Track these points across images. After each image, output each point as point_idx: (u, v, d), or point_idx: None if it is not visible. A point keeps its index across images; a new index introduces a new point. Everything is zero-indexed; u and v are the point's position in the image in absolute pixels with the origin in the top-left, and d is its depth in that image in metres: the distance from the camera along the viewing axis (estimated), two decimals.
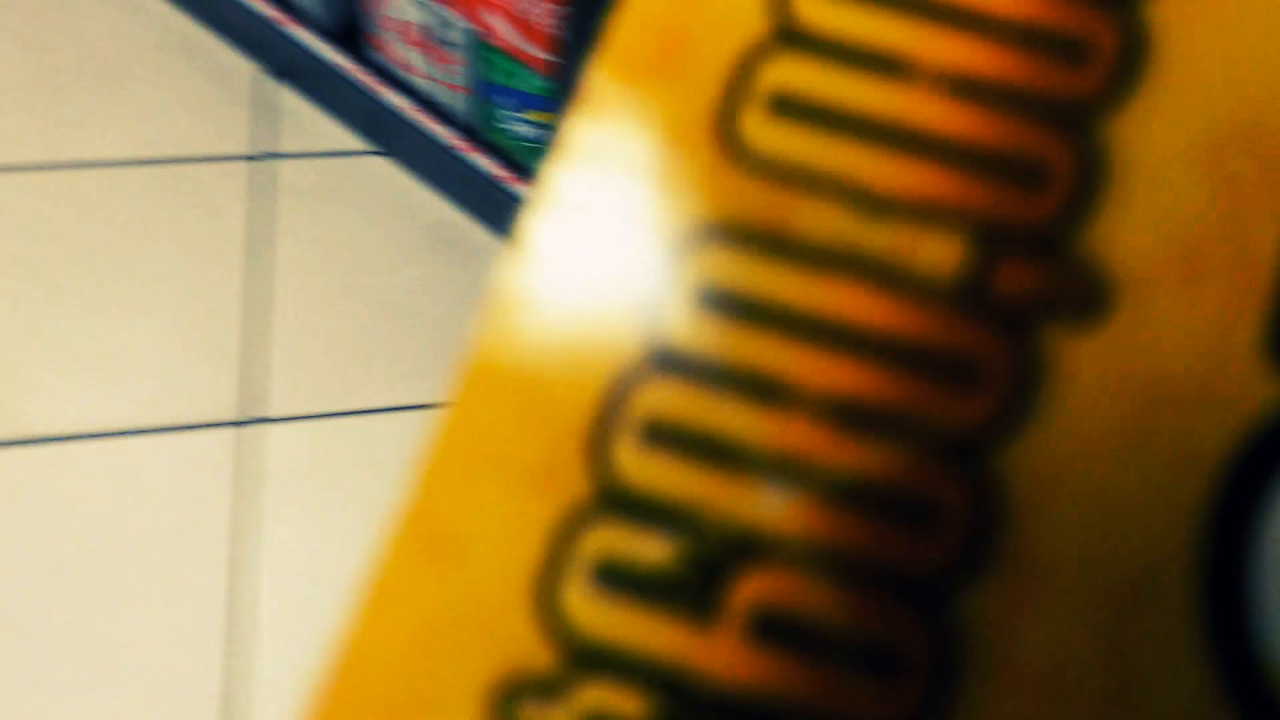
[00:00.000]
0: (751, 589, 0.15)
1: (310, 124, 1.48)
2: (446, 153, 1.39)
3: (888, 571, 0.14)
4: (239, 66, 1.53)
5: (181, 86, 1.50)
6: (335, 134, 1.49)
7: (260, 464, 1.28)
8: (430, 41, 1.30)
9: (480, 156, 1.36)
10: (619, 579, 0.15)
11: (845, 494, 0.15)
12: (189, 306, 1.36)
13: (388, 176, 1.46)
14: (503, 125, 1.33)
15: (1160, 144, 0.15)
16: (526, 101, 1.30)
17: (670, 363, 0.16)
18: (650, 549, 0.15)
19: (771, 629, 0.15)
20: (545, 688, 0.15)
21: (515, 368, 0.17)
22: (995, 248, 0.15)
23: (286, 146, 1.47)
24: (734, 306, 0.16)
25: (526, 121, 1.31)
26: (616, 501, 0.16)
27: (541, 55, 1.23)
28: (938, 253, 0.16)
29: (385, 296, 1.39)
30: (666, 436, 0.16)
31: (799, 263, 0.16)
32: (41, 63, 1.51)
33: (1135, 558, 0.14)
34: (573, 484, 0.16)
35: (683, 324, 0.16)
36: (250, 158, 1.44)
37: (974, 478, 0.15)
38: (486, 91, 1.31)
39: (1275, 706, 0.13)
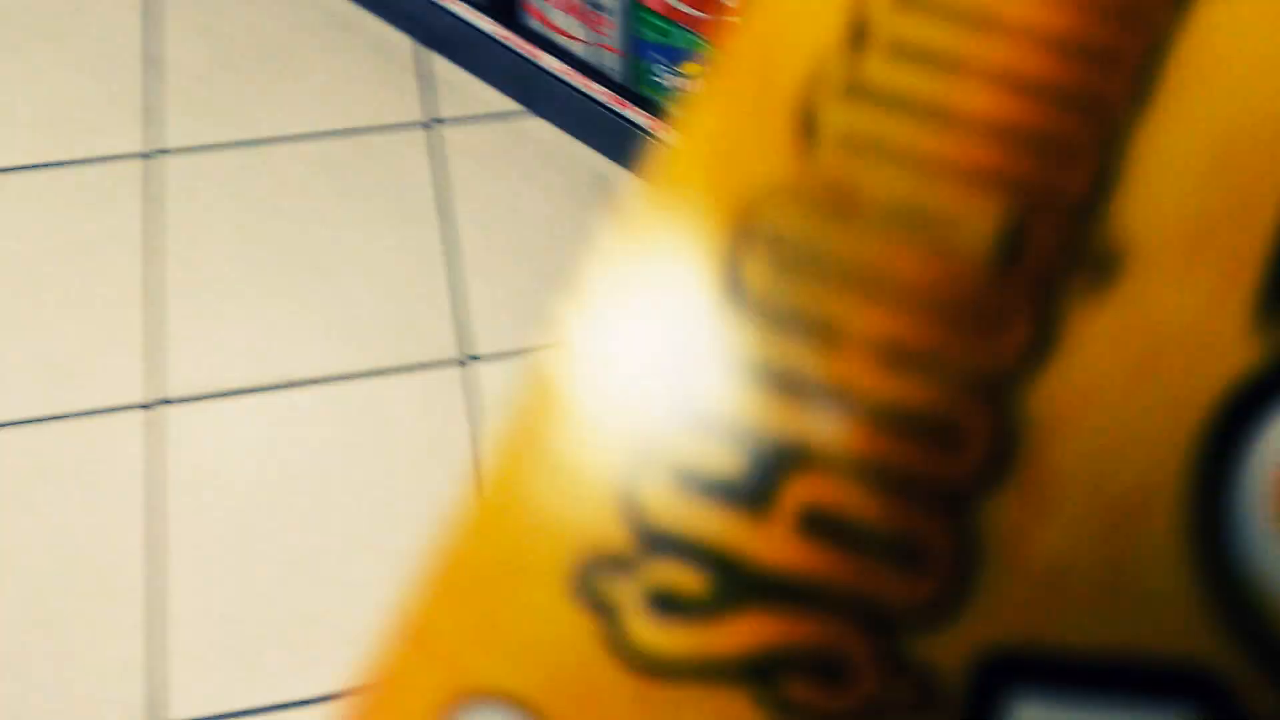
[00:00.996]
0: (802, 490, 0.17)
1: (467, 90, 1.60)
2: (601, 109, 1.48)
3: (919, 481, 0.17)
4: (399, 40, 1.65)
5: (350, 62, 1.63)
6: (492, 98, 1.60)
7: (484, 398, 1.39)
8: (585, 7, 1.39)
9: (634, 110, 1.45)
10: (697, 486, 0.18)
11: (886, 419, 0.17)
12: (397, 261, 1.49)
13: (546, 135, 1.57)
14: (656, 80, 1.41)
15: (1177, 144, 0.18)
16: (679, 56, 1.37)
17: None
18: (715, 460, 0.18)
19: (818, 525, 0.17)
20: (620, 564, 0.18)
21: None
22: (1032, 215, 0.18)
23: (449, 112, 1.58)
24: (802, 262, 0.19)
25: (680, 74, 1.39)
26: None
27: (694, 12, 1.30)
28: (979, 217, 0.18)
29: (561, 245, 1.50)
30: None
31: (869, 227, 0.19)
32: (223, 49, 1.65)
33: (1135, 479, 0.16)
34: None
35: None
36: (424, 124, 1.56)
37: (998, 406, 0.17)
38: (640, 50, 1.39)
39: (1246, 603, 0.15)
